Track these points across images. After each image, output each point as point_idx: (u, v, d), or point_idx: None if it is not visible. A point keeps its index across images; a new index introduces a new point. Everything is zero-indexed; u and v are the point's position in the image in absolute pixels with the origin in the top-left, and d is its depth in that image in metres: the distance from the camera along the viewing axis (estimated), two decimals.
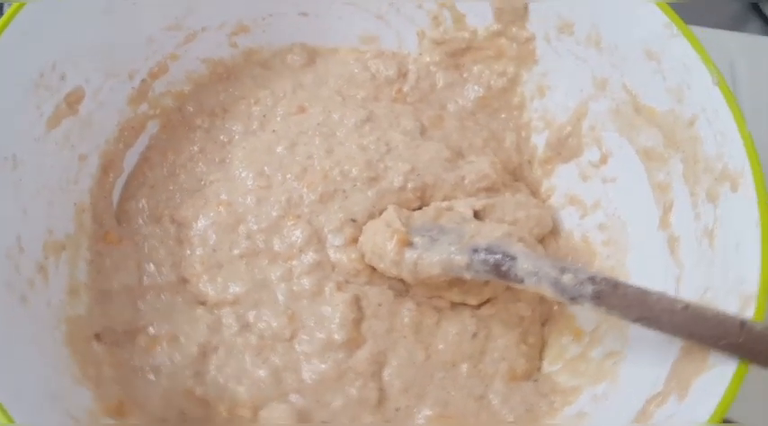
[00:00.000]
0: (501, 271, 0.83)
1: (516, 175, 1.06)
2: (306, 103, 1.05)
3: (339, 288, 0.90)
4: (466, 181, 0.97)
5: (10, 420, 0.64)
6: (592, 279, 0.77)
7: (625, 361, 0.85)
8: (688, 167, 0.84)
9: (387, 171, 0.96)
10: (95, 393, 0.80)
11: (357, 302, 0.89)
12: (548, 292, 0.80)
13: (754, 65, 1.04)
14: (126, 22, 0.95)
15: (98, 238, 0.94)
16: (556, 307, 0.97)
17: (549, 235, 1.01)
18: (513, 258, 0.82)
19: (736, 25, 1.30)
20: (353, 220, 0.93)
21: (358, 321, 0.88)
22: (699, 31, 0.84)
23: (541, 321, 0.97)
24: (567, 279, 0.78)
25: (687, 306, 0.72)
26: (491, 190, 0.98)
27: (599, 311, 0.77)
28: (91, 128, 0.95)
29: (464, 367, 0.89)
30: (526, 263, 0.81)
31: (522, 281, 0.81)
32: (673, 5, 0.85)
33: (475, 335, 0.91)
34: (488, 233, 0.87)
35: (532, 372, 0.93)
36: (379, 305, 0.90)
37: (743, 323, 0.70)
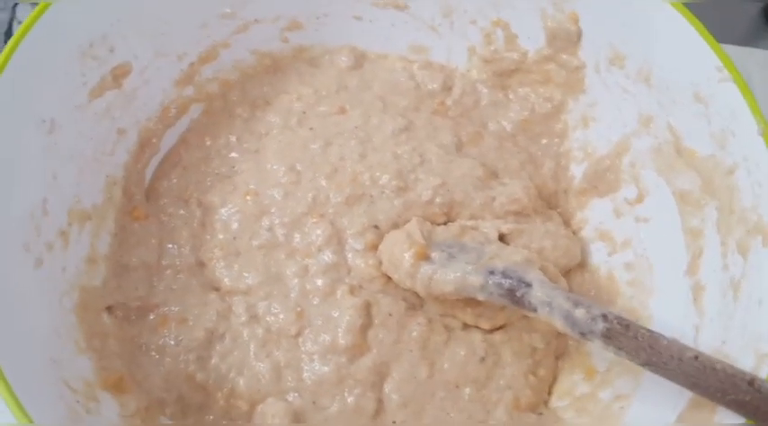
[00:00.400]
0: (515, 297, 0.81)
1: (551, 203, 1.04)
2: (347, 105, 1.05)
3: (351, 292, 0.90)
4: (495, 203, 0.96)
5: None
6: (604, 317, 0.75)
7: (632, 407, 0.83)
8: (722, 216, 0.82)
9: (417, 182, 0.96)
10: (97, 364, 0.81)
11: (367, 308, 0.88)
12: (558, 324, 0.78)
13: None
14: (182, 5, 0.97)
15: (125, 212, 0.95)
16: (572, 343, 0.95)
17: (575, 269, 0.99)
18: (528, 285, 0.81)
19: (750, 41, 1.28)
20: (376, 227, 0.93)
21: (365, 327, 0.87)
22: None
23: (556, 354, 0.95)
24: (579, 313, 0.76)
25: (697, 357, 0.70)
26: (521, 214, 0.97)
27: (608, 350, 0.75)
28: (134, 103, 0.96)
29: (467, 390, 0.88)
30: (540, 292, 0.80)
31: (534, 310, 0.80)
32: None
33: (483, 360, 0.89)
34: (508, 256, 0.85)
35: (538, 405, 0.91)
36: (390, 315, 0.89)
37: (752, 381, 0.67)
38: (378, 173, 0.96)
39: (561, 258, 0.95)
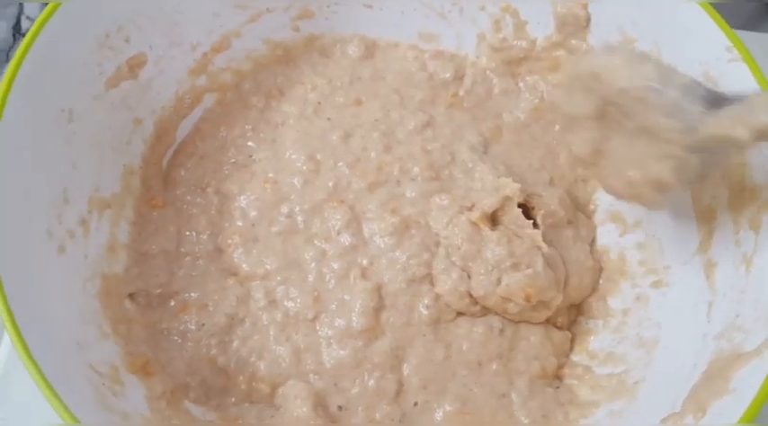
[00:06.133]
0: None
1: (571, 193, 1.04)
2: (362, 97, 1.06)
3: (363, 275, 0.91)
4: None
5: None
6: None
7: (645, 382, 0.85)
8: (734, 194, 0.83)
9: (452, 179, 0.99)
10: (123, 349, 0.82)
11: (378, 291, 0.89)
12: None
13: None
14: None
15: (143, 201, 0.96)
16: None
17: None
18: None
19: (752, 25, 1.29)
20: (393, 211, 0.94)
21: (378, 310, 0.88)
22: None
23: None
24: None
25: None
26: (555, 226, 0.96)
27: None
28: (149, 93, 0.98)
29: (493, 366, 0.88)
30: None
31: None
32: None
33: (502, 331, 0.90)
34: None
35: (563, 367, 0.93)
36: (396, 296, 0.90)
37: None
38: (409, 165, 0.98)
39: (575, 290, 0.95)
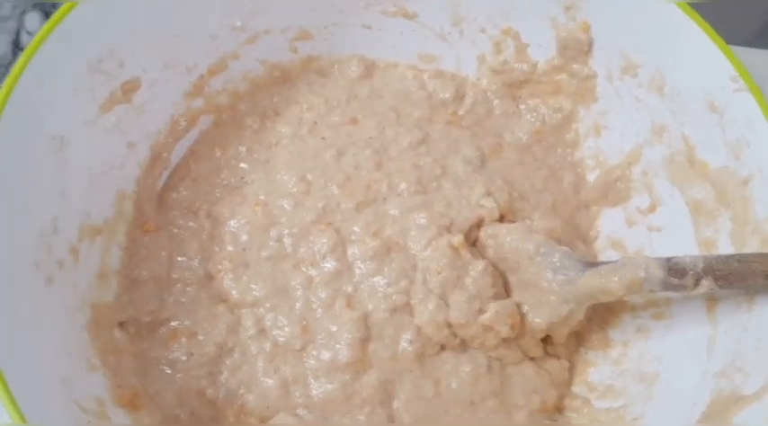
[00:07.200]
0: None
1: (574, 219, 1.02)
2: (359, 115, 1.04)
3: (349, 304, 0.88)
4: None
5: (22, 419, 0.64)
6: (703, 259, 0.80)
7: (644, 419, 0.83)
8: (737, 226, 0.81)
9: (438, 189, 0.96)
10: (112, 381, 0.81)
11: (365, 320, 0.87)
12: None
13: None
14: (191, 17, 0.96)
15: (136, 226, 0.95)
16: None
17: None
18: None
19: (761, 41, 1.26)
20: (375, 233, 0.92)
21: (365, 341, 0.86)
22: None
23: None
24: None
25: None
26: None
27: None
28: (143, 117, 0.96)
29: (490, 402, 0.86)
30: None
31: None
32: None
33: (490, 368, 0.88)
34: None
35: (564, 398, 0.91)
36: (383, 326, 0.87)
37: None
38: (397, 180, 0.95)
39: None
